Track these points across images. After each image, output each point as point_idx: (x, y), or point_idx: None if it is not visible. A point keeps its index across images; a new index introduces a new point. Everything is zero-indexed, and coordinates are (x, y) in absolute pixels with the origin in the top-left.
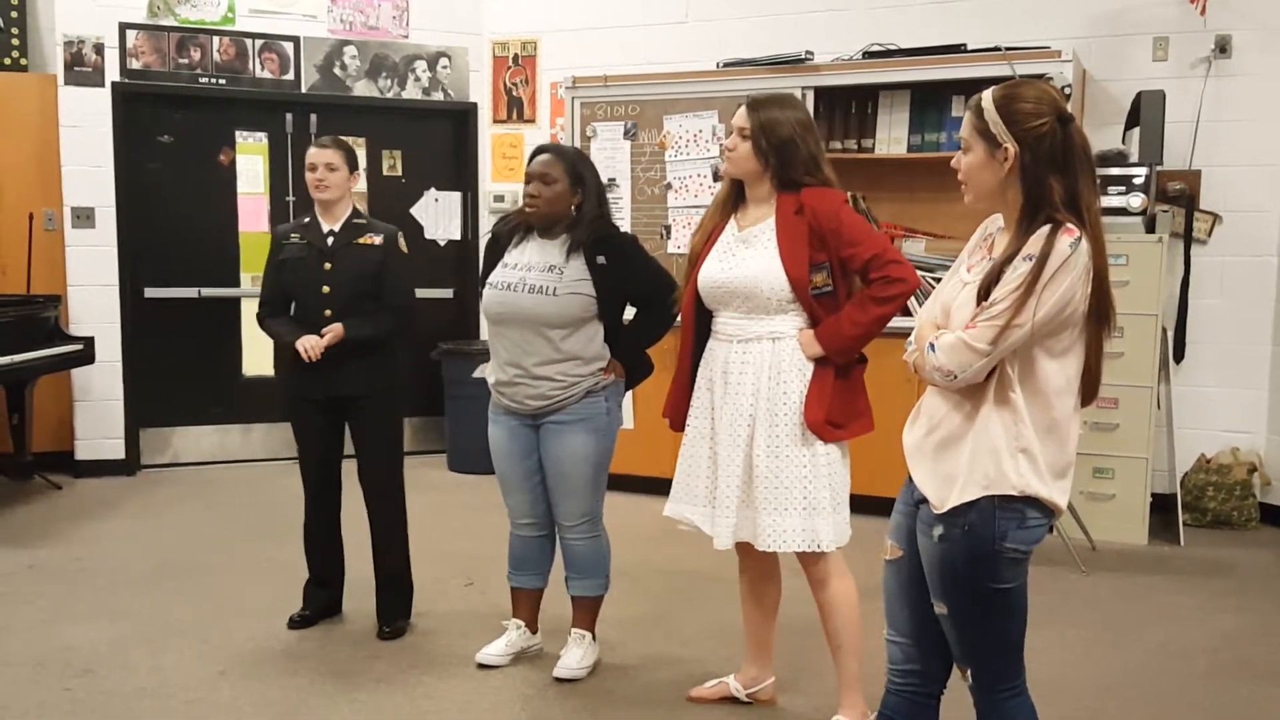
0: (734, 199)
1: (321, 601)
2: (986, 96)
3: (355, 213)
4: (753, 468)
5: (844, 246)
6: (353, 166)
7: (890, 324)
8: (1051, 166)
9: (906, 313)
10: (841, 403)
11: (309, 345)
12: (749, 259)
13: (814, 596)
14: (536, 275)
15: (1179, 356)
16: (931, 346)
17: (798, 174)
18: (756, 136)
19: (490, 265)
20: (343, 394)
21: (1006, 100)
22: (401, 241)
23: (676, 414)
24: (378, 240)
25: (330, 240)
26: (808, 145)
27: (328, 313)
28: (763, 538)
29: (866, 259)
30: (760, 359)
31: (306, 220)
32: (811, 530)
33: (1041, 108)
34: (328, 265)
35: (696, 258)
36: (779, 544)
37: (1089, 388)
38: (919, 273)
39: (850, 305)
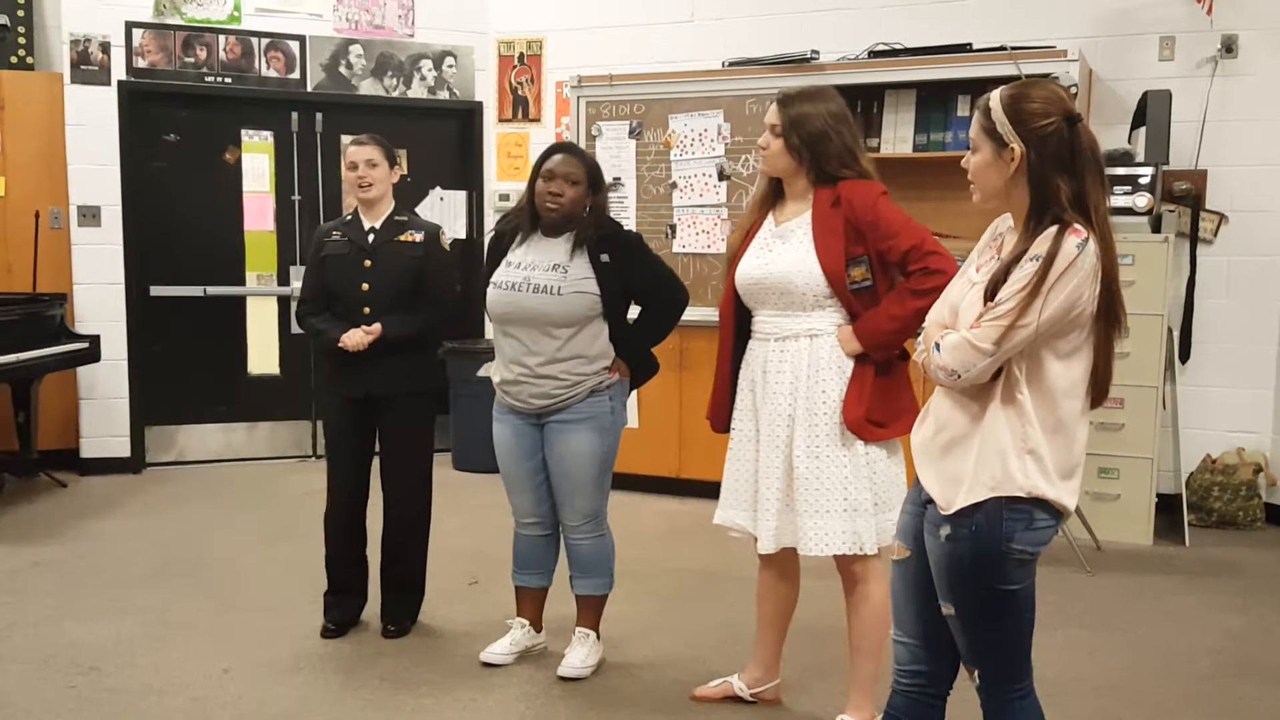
0: (773, 196)
1: (351, 610)
2: (994, 96)
3: (397, 210)
4: (793, 469)
5: (881, 239)
6: (392, 161)
7: None
8: (1058, 166)
9: None
10: (883, 400)
11: (351, 340)
12: (784, 254)
13: (845, 594)
14: (541, 274)
15: (1185, 356)
16: (937, 346)
17: (833, 167)
18: (788, 133)
19: (493, 264)
20: (380, 393)
21: (1013, 100)
22: (444, 239)
23: (718, 417)
24: (419, 238)
25: (371, 237)
26: (842, 138)
27: (367, 310)
28: (805, 542)
29: (905, 250)
30: (798, 357)
31: (348, 218)
32: (854, 532)
33: (1048, 107)
34: (368, 263)
35: (734, 256)
36: (823, 547)
37: (1098, 389)
38: None
39: (888, 299)
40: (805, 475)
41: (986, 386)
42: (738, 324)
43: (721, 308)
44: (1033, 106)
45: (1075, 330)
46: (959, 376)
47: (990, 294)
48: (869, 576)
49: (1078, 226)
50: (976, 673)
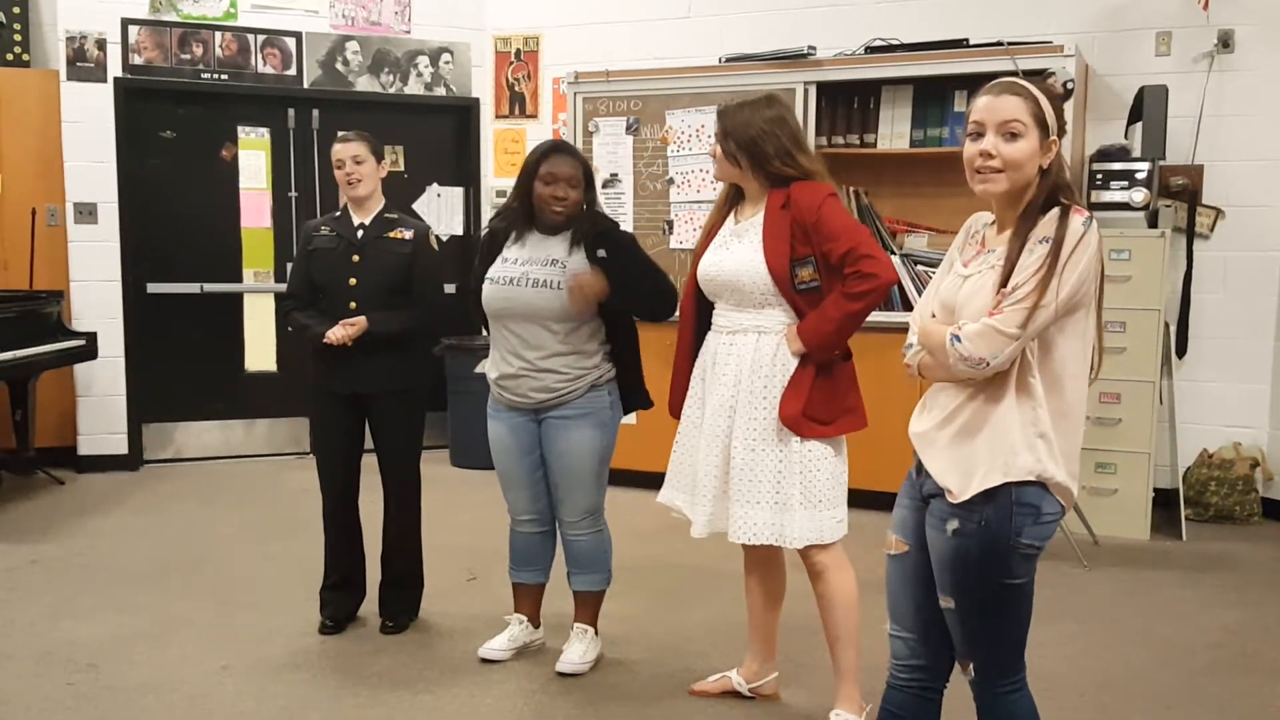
0: (734, 198)
1: (348, 606)
2: (1029, 85)
3: (386, 207)
4: (730, 459)
5: (824, 240)
6: (379, 156)
7: (890, 318)
8: (1059, 164)
9: (888, 306)
10: (824, 399)
11: (335, 335)
12: (737, 252)
13: (813, 588)
14: (539, 269)
15: (1181, 351)
16: (956, 338)
17: (774, 168)
18: (724, 141)
19: (488, 260)
20: (367, 390)
21: (1046, 94)
22: (433, 239)
23: (675, 403)
24: (408, 235)
25: (360, 233)
26: (778, 140)
27: (353, 305)
28: (733, 529)
29: (842, 253)
30: (743, 351)
31: (338, 214)
32: (779, 525)
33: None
34: (356, 258)
35: (697, 254)
36: (748, 536)
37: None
38: (919, 267)
39: (827, 301)
40: (739, 466)
41: (996, 373)
42: (699, 318)
43: (683, 302)
44: (1058, 104)
45: (1082, 309)
46: (987, 364)
47: (1005, 280)
48: (829, 566)
49: (1079, 207)
50: (971, 666)
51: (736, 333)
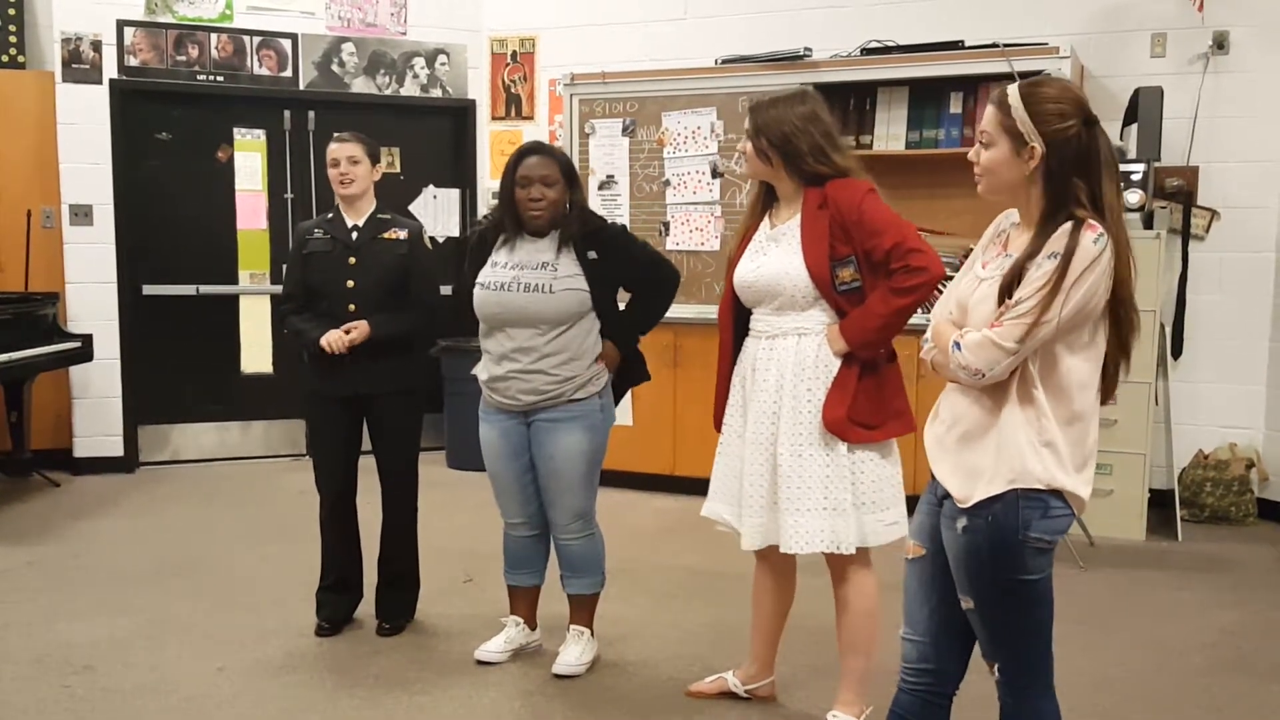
0: (765, 200)
1: (344, 607)
2: (1013, 92)
3: (379, 208)
4: (776, 466)
5: (867, 237)
6: (375, 158)
7: (912, 320)
8: (1075, 168)
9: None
10: (869, 402)
11: (333, 340)
12: (775, 257)
13: (834, 591)
14: (531, 274)
15: (1177, 352)
16: (957, 345)
17: (808, 165)
18: (756, 138)
19: (477, 264)
20: (368, 391)
21: (1034, 99)
22: (426, 238)
23: (720, 415)
24: (403, 235)
25: (355, 235)
26: (811, 137)
27: (352, 307)
28: (786, 539)
29: (887, 249)
30: (784, 355)
31: (330, 216)
32: (832, 531)
33: (1069, 109)
34: (352, 260)
35: (732, 261)
36: (802, 545)
37: (1107, 385)
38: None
39: (872, 298)
40: (788, 473)
41: (1002, 381)
42: (738, 325)
43: (720, 311)
44: (1054, 107)
45: (1088, 324)
46: (983, 376)
47: (1005, 292)
48: (858, 574)
49: (1092, 222)
50: (996, 667)
51: (776, 336)
